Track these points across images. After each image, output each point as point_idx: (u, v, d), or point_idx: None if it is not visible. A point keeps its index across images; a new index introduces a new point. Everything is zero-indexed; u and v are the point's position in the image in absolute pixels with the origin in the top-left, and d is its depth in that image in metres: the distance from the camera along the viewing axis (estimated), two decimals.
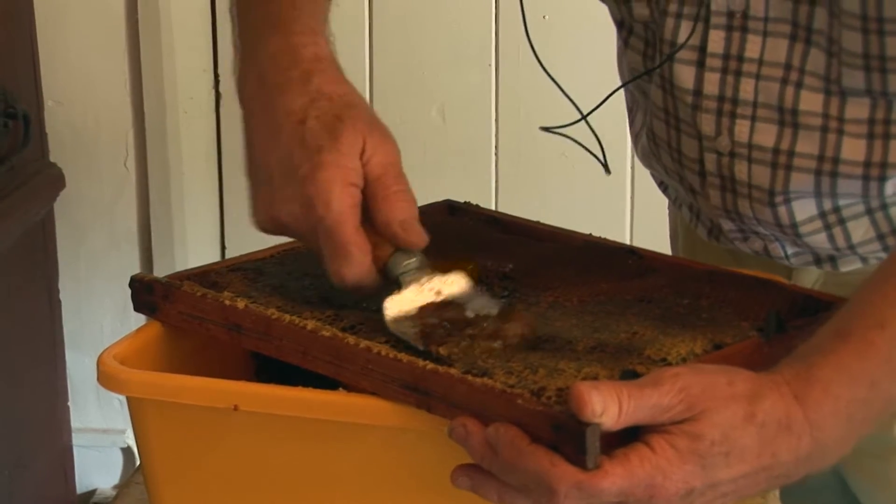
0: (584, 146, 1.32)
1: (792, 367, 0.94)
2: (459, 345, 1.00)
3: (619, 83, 1.38)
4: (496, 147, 2.72)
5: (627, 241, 2.49)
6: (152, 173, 2.76)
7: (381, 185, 1.05)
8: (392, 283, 1.05)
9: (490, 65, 2.68)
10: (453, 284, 1.06)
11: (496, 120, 2.71)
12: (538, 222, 1.30)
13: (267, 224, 1.09)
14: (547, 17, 2.57)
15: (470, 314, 1.05)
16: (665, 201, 1.54)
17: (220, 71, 2.74)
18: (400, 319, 1.03)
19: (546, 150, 2.69)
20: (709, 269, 1.19)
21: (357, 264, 1.04)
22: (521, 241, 1.26)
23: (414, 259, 1.06)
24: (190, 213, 2.79)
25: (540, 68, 1.37)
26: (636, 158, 2.63)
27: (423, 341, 1.01)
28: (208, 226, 2.83)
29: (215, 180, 2.81)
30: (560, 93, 1.36)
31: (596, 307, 1.10)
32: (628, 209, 2.71)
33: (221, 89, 2.75)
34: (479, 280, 1.14)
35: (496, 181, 2.73)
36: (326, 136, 1.05)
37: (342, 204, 1.03)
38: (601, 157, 1.32)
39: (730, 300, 1.12)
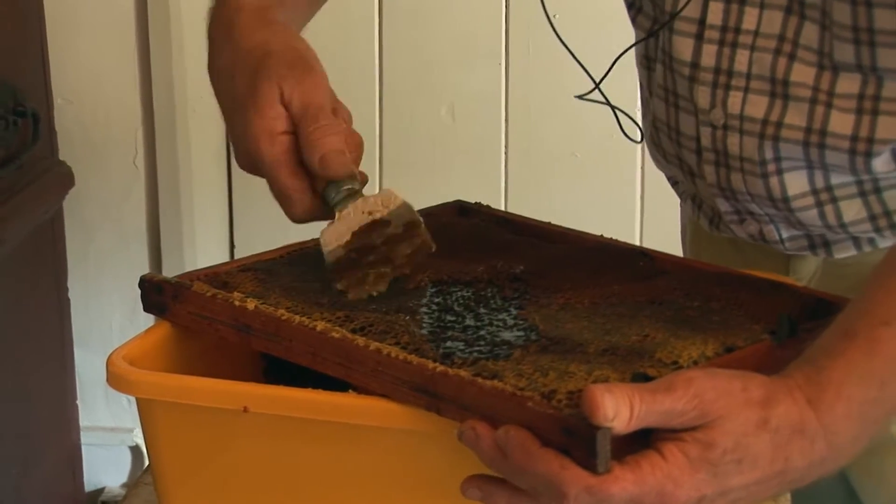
0: (615, 107, 1.35)
1: (802, 371, 0.94)
2: (354, 277, 1.09)
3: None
4: (506, 146, 2.72)
5: (637, 242, 2.49)
6: (161, 172, 2.76)
7: (302, 126, 1.11)
8: (330, 213, 1.12)
9: (500, 64, 2.67)
10: (382, 203, 1.11)
11: (506, 119, 2.70)
12: (549, 223, 1.30)
13: (247, 170, 1.16)
14: (557, 16, 2.56)
15: (395, 229, 1.11)
16: (675, 200, 1.53)
17: None
18: (335, 249, 1.10)
19: (556, 149, 2.69)
20: (720, 272, 1.18)
21: (299, 205, 1.12)
22: (532, 243, 1.25)
23: (344, 188, 1.11)
24: (199, 211, 2.79)
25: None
26: (646, 159, 2.64)
27: (335, 275, 1.09)
28: (217, 224, 2.83)
29: (224, 179, 2.81)
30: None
31: (607, 309, 1.09)
32: (638, 209, 2.71)
33: None
34: (490, 282, 1.14)
35: (505, 180, 2.73)
36: (248, 92, 1.12)
37: (271, 154, 1.10)
38: (629, 122, 1.35)
39: (741, 303, 1.11)
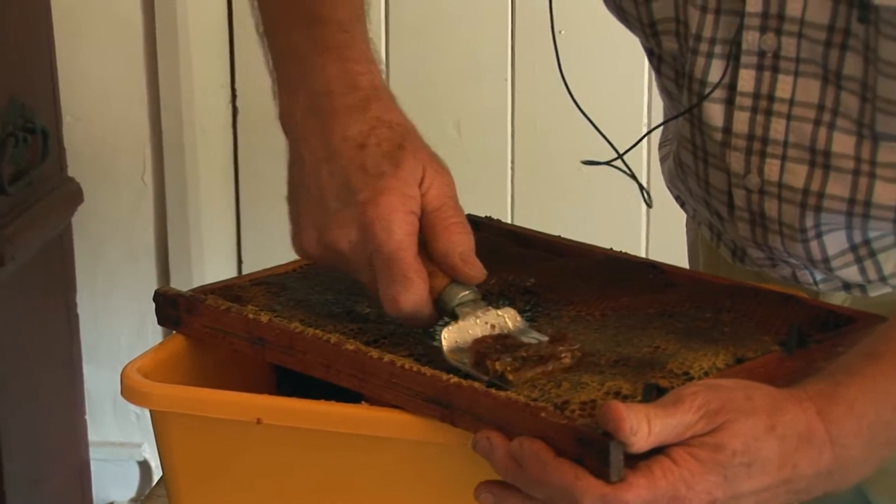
0: (632, 175, 1.31)
1: (817, 384, 0.94)
2: (513, 363, 0.99)
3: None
4: (512, 162, 2.72)
5: (644, 256, 2.49)
6: (170, 188, 2.77)
7: (439, 216, 1.05)
8: (445, 316, 1.05)
9: (506, 80, 2.68)
10: (507, 320, 1.06)
11: (512, 135, 2.71)
12: (559, 237, 1.30)
13: (317, 249, 1.07)
14: (563, 31, 2.57)
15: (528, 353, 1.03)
16: (681, 215, 1.53)
17: (236, 86, 2.75)
18: (456, 350, 1.02)
19: (562, 164, 2.69)
20: (730, 284, 1.19)
21: (416, 292, 1.02)
22: (542, 256, 1.26)
23: (469, 292, 1.05)
24: (207, 227, 2.80)
25: (554, 83, 1.36)
26: (651, 173, 2.65)
27: (476, 363, 1.00)
28: (225, 240, 2.83)
29: (232, 195, 2.82)
30: (574, 108, 1.35)
31: (618, 321, 1.10)
32: (644, 225, 2.71)
33: (238, 104, 2.76)
34: (502, 294, 1.14)
35: (512, 195, 2.73)
36: (388, 162, 1.04)
37: (403, 231, 1.02)
38: (641, 190, 1.32)
39: (751, 314, 1.11)
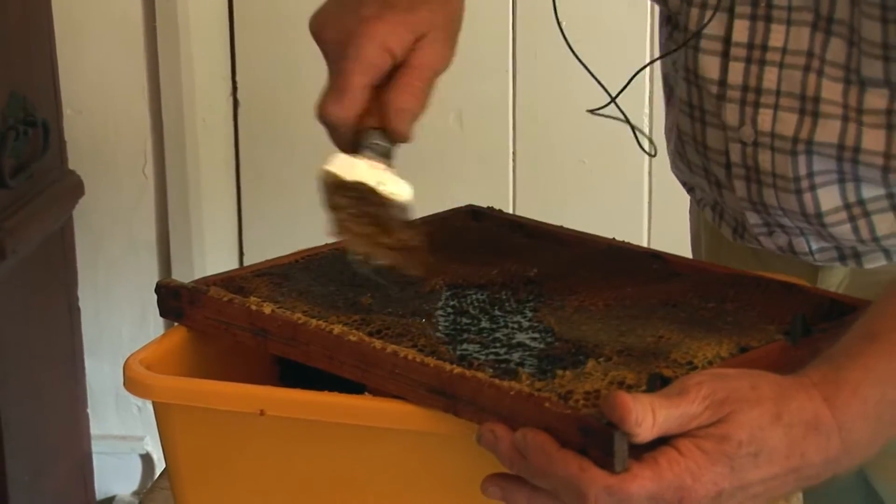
0: (630, 123, 1.33)
1: (819, 370, 0.94)
2: (354, 210, 1.07)
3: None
4: (513, 154, 2.72)
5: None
6: (171, 181, 2.77)
7: (407, 73, 1.09)
8: (354, 151, 1.10)
9: (507, 71, 2.67)
10: (396, 188, 1.10)
11: (513, 127, 2.70)
12: (561, 227, 1.30)
13: (317, 31, 1.13)
14: (565, 23, 2.56)
15: (392, 214, 1.09)
16: (683, 207, 1.53)
17: (237, 78, 2.75)
18: (333, 180, 1.08)
19: (563, 156, 2.69)
20: (733, 273, 1.19)
21: (342, 107, 1.08)
22: (545, 246, 1.26)
23: (385, 145, 1.10)
24: (208, 220, 2.80)
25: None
26: (654, 165, 2.64)
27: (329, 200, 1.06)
28: (226, 233, 2.83)
29: (233, 188, 2.81)
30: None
31: (621, 311, 1.10)
32: (646, 216, 2.71)
33: (239, 96, 2.75)
34: (505, 285, 1.14)
35: (513, 187, 2.73)
36: (407, 1, 1.10)
37: (368, 58, 1.08)
38: (639, 135, 1.34)
39: (755, 304, 1.12)
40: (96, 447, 2.76)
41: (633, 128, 1.34)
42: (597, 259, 1.22)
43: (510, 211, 2.69)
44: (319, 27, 1.13)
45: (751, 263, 1.33)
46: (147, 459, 2.91)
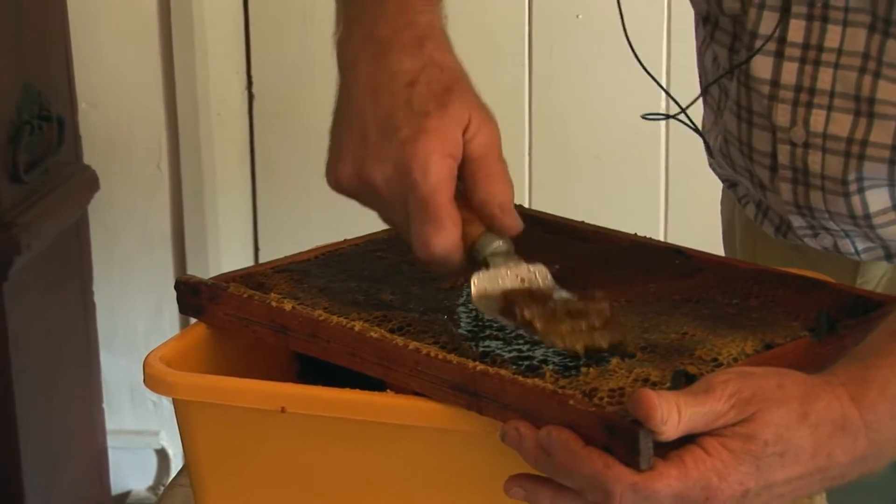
0: (695, 128, 1.33)
1: (847, 369, 0.93)
2: (543, 312, 0.98)
3: (697, 79, 1.39)
4: (529, 149, 2.71)
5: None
6: (185, 175, 2.77)
7: (481, 165, 1.04)
8: (477, 265, 1.04)
9: (523, 66, 2.67)
10: (537, 275, 1.05)
11: (529, 121, 2.70)
12: (583, 222, 1.29)
13: (352, 182, 1.05)
14: (581, 16, 2.56)
15: (557, 306, 1.02)
16: (700, 203, 1.53)
17: (252, 72, 2.75)
18: (484, 297, 1.01)
19: (579, 151, 2.69)
20: (756, 269, 1.18)
21: (448, 235, 1.01)
22: (567, 242, 1.25)
23: (503, 243, 1.04)
24: (223, 214, 2.80)
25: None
26: (670, 161, 2.64)
27: (505, 310, 0.99)
28: (242, 227, 2.83)
29: (248, 182, 2.81)
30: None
31: (645, 307, 1.09)
32: (662, 212, 2.70)
33: (254, 90, 2.75)
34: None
35: (529, 183, 2.73)
36: (434, 103, 1.03)
37: (440, 173, 1.01)
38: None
39: (779, 300, 1.11)
40: (111, 442, 2.76)
41: (702, 137, 1.33)
42: (619, 255, 1.22)
43: (525, 205, 2.70)
44: (353, 176, 1.05)
45: (790, 257, 1.32)
46: (162, 455, 2.91)
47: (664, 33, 2.50)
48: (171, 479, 1.30)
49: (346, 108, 1.07)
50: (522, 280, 1.04)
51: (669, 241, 2.74)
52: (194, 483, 1.08)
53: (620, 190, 2.70)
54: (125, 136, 2.75)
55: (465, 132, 1.03)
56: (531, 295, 1.01)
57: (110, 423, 2.76)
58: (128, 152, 2.75)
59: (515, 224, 1.04)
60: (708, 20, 1.32)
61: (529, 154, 2.72)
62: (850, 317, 1.08)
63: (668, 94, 1.33)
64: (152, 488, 2.92)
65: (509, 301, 0.99)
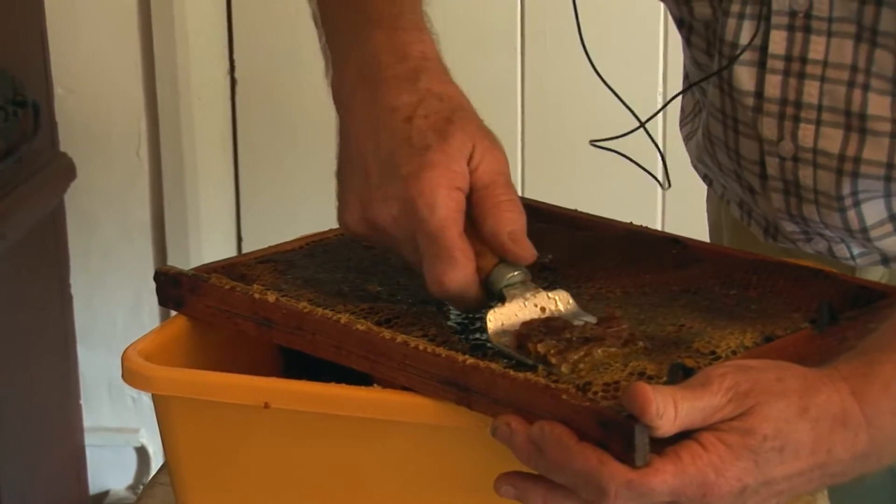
0: (635, 161, 1.30)
1: (850, 363, 0.93)
2: (556, 345, 0.97)
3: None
4: (522, 136, 2.72)
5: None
6: (166, 163, 2.77)
7: (489, 194, 1.03)
8: (494, 298, 1.03)
9: (515, 50, 2.67)
10: (558, 302, 1.04)
11: (522, 108, 2.70)
12: (577, 211, 1.30)
13: (360, 226, 1.05)
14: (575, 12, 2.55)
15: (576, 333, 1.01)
16: (700, 192, 1.53)
17: (235, 56, 2.75)
18: (501, 333, 1.01)
19: (574, 138, 2.69)
20: (756, 259, 1.18)
21: (461, 271, 1.00)
22: (561, 231, 1.25)
23: (518, 272, 1.03)
24: (205, 203, 2.80)
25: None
26: (667, 149, 2.63)
27: (519, 346, 0.98)
28: (224, 216, 2.83)
29: (231, 169, 2.81)
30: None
31: (640, 299, 1.09)
32: (660, 201, 2.70)
33: (237, 75, 2.75)
34: None
35: (522, 170, 2.73)
36: (435, 136, 1.02)
37: (448, 207, 1.00)
38: (659, 166, 1.31)
39: (779, 291, 1.11)
40: (89, 440, 2.76)
41: (663, 158, 1.32)
42: (614, 244, 1.22)
43: (518, 193, 2.70)
44: (360, 221, 1.05)
45: (782, 257, 1.32)
46: (142, 453, 2.91)
47: (660, 26, 2.50)
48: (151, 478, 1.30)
49: (347, 151, 1.07)
50: (542, 309, 1.03)
51: (667, 230, 2.74)
52: (175, 481, 1.08)
53: (616, 178, 2.69)
54: (103, 123, 2.74)
55: (469, 161, 1.03)
56: (547, 325, 1.00)
57: (88, 421, 2.76)
58: (106, 139, 2.75)
59: (529, 253, 1.03)
60: (682, 24, 1.31)
61: (522, 140, 2.72)
62: (852, 308, 1.08)
63: (627, 106, 1.31)
64: (132, 488, 2.92)
65: (522, 336, 0.99)
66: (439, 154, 1.01)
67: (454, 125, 1.03)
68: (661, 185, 1.31)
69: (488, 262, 1.03)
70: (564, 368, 0.95)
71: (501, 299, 1.02)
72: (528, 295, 1.03)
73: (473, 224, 1.03)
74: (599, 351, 0.97)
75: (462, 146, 1.02)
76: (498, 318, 1.01)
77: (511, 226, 1.03)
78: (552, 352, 0.97)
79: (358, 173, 1.05)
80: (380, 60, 1.07)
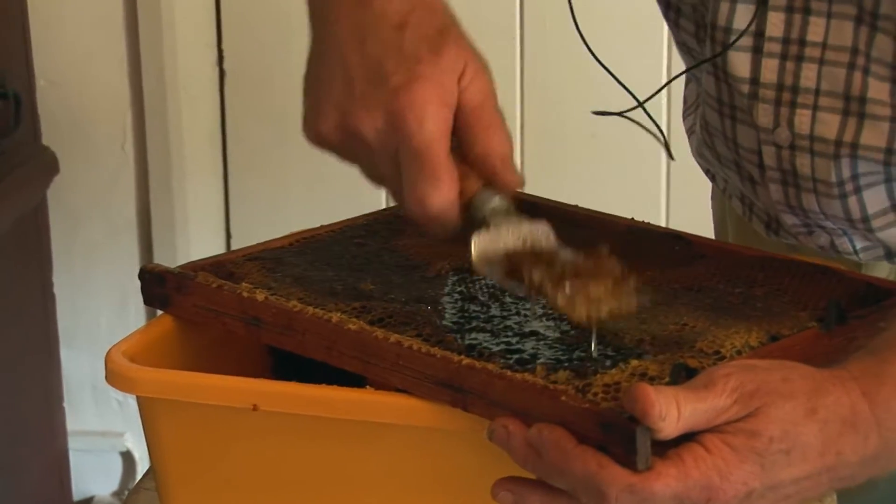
0: (645, 128, 1.30)
1: (861, 363, 0.93)
2: (552, 275, 0.97)
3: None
4: (521, 125, 2.72)
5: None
6: (152, 157, 2.77)
7: (479, 115, 1.02)
8: (475, 224, 1.03)
9: (514, 38, 2.67)
10: (542, 234, 1.04)
11: (521, 98, 2.70)
12: (577, 206, 1.30)
13: (336, 135, 1.03)
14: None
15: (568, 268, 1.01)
16: (705, 186, 1.53)
17: (223, 46, 2.75)
18: (486, 259, 1.00)
19: (575, 129, 2.69)
20: (762, 256, 1.18)
21: (445, 192, 0.99)
22: (560, 227, 1.25)
23: (502, 199, 1.03)
24: (192, 199, 2.80)
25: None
26: (671, 139, 2.64)
27: (509, 273, 0.98)
28: (212, 213, 2.83)
29: (219, 164, 2.82)
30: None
31: (642, 296, 1.09)
32: (664, 194, 2.71)
33: (226, 66, 2.75)
34: None
35: (521, 161, 2.73)
36: (427, 47, 1.01)
37: (438, 123, 0.99)
38: (662, 140, 1.30)
39: (785, 288, 1.11)
40: (73, 444, 2.76)
41: (663, 135, 1.32)
42: (615, 241, 1.22)
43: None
44: (337, 128, 1.03)
45: (785, 253, 1.32)
46: (128, 457, 2.91)
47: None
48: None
49: (325, 57, 1.05)
50: (525, 240, 1.03)
51: (671, 226, 2.74)
52: (160, 486, 1.08)
53: (618, 170, 2.70)
54: (87, 116, 2.75)
55: (460, 80, 1.02)
56: (536, 256, 1.00)
57: (72, 424, 2.76)
58: (90, 132, 2.75)
59: (517, 179, 1.04)
60: (669, 6, 1.31)
61: (521, 132, 2.72)
62: (861, 306, 1.08)
63: (625, 88, 1.31)
64: (117, 493, 2.92)
65: (514, 263, 0.99)
66: (431, 67, 1.00)
67: (447, 39, 1.02)
68: (668, 154, 1.30)
69: (470, 186, 1.02)
70: (560, 300, 0.95)
71: (485, 225, 1.02)
72: (511, 223, 1.03)
73: (459, 145, 1.02)
74: (593, 285, 0.97)
75: (454, 62, 1.02)
76: (482, 244, 1.01)
77: (501, 149, 1.03)
78: (548, 281, 0.96)
79: (338, 80, 1.03)
80: None
